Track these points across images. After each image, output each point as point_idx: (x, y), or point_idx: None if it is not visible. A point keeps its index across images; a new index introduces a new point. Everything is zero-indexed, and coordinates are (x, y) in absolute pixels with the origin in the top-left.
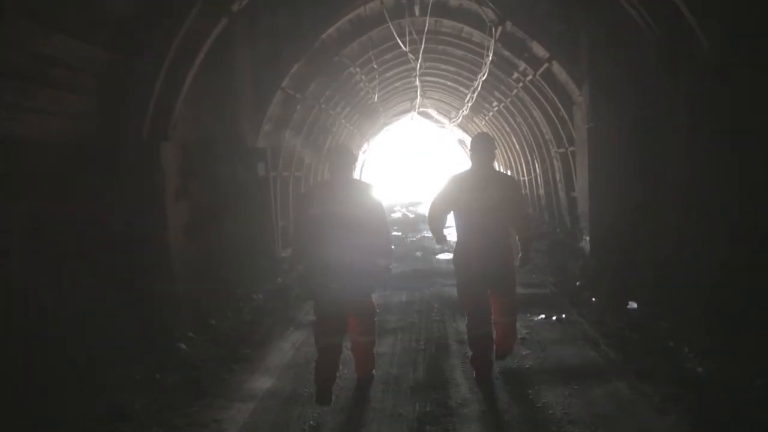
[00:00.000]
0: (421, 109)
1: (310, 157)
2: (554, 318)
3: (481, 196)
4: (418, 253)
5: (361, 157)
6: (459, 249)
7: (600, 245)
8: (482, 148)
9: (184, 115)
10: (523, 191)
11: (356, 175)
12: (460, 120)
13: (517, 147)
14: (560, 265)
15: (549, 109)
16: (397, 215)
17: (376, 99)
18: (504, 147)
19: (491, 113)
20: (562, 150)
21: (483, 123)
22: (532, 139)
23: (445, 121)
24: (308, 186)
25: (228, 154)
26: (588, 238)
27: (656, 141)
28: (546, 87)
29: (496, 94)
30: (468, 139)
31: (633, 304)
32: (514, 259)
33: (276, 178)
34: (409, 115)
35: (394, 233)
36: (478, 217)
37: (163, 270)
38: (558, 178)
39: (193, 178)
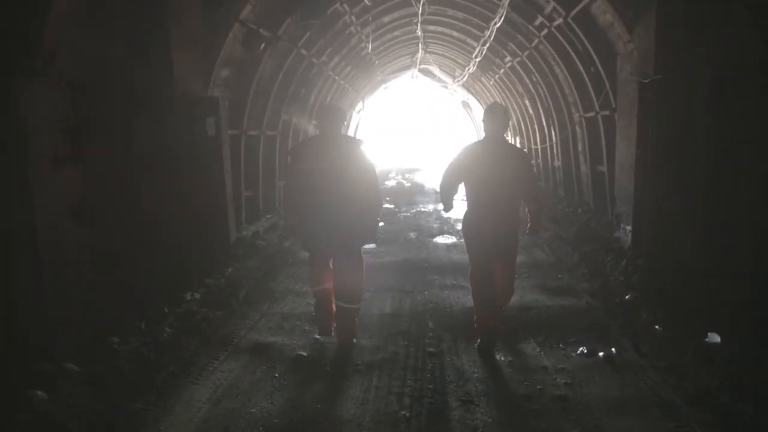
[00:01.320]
0: (422, 66)
1: (288, 114)
2: (601, 355)
3: (493, 168)
4: (412, 234)
5: (354, 117)
6: (468, 219)
7: (652, 242)
8: (496, 118)
9: (74, 41)
10: (533, 163)
11: (348, 133)
12: (465, 79)
13: (530, 111)
14: (595, 264)
15: (578, 63)
16: (391, 183)
17: (370, 49)
18: (515, 111)
19: (502, 70)
20: (590, 114)
21: (491, 83)
22: (550, 101)
23: (449, 80)
24: (295, 143)
25: (155, 104)
26: (629, 228)
27: (748, 104)
28: (578, 34)
29: (511, 47)
30: (473, 101)
31: (714, 337)
32: (519, 232)
33: (239, 138)
34: (409, 73)
35: (386, 206)
36: (488, 188)
37: (25, 273)
38: (581, 148)
39: (89, 135)
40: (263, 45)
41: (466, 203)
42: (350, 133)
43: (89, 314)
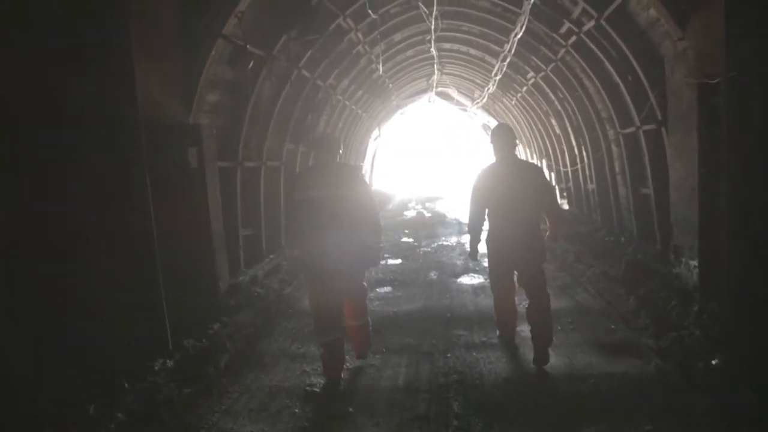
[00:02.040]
0: (439, 89)
1: (294, 142)
2: None
3: (510, 185)
4: (433, 274)
5: (371, 145)
6: (491, 236)
7: (730, 282)
8: (503, 138)
9: None
10: (547, 177)
11: (364, 164)
12: (485, 100)
13: (557, 130)
14: (656, 310)
15: (613, 73)
16: (410, 214)
17: (381, 71)
18: (538, 132)
19: (525, 88)
20: (629, 130)
21: (513, 102)
22: (580, 118)
23: (468, 103)
24: (295, 173)
25: (110, 128)
26: (694, 264)
27: None
28: (613, 38)
29: (533, 61)
30: (494, 124)
31: None
32: (542, 243)
33: (234, 170)
34: (425, 97)
35: (404, 239)
36: (507, 205)
37: None
38: (618, 168)
39: (12, 169)
40: (252, 64)
41: (488, 224)
42: (368, 161)
43: (26, 390)
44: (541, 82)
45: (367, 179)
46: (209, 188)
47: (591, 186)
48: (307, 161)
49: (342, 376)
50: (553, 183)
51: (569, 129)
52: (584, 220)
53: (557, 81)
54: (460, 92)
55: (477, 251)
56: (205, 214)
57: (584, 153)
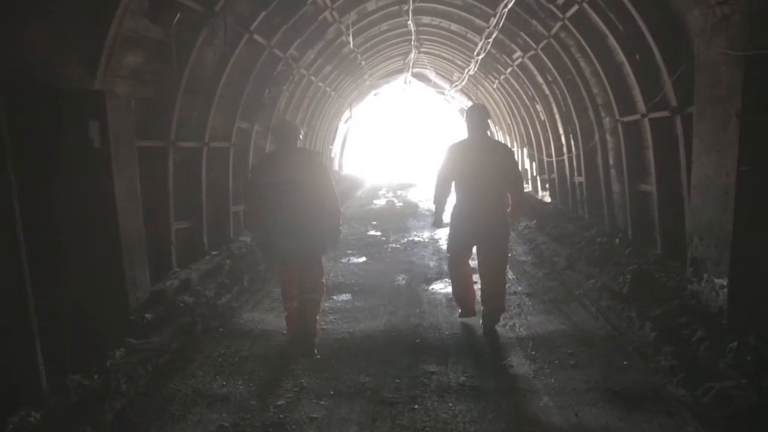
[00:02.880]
0: (416, 69)
1: (248, 121)
2: None
3: (479, 162)
4: (401, 279)
5: (341, 128)
6: (455, 209)
7: None
8: (476, 117)
9: None
10: (516, 157)
11: (333, 146)
12: (464, 83)
13: (543, 117)
14: (676, 341)
15: (618, 50)
16: (380, 203)
17: (352, 44)
18: (520, 119)
19: (509, 70)
20: (631, 118)
21: (495, 85)
22: (571, 104)
23: (446, 85)
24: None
25: None
26: (723, 283)
27: None
28: (625, 6)
29: (522, 38)
30: None
31: None
32: (505, 220)
33: (166, 151)
34: (401, 77)
35: (371, 233)
36: (475, 181)
37: None
38: (612, 161)
39: None
40: (178, 17)
41: (455, 197)
42: (339, 143)
43: None
44: (529, 63)
45: (329, 164)
46: (119, 173)
47: (579, 179)
48: (265, 142)
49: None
50: (535, 173)
51: (557, 116)
52: (570, 215)
53: (547, 61)
54: (439, 74)
55: (441, 220)
56: (109, 207)
57: (572, 142)
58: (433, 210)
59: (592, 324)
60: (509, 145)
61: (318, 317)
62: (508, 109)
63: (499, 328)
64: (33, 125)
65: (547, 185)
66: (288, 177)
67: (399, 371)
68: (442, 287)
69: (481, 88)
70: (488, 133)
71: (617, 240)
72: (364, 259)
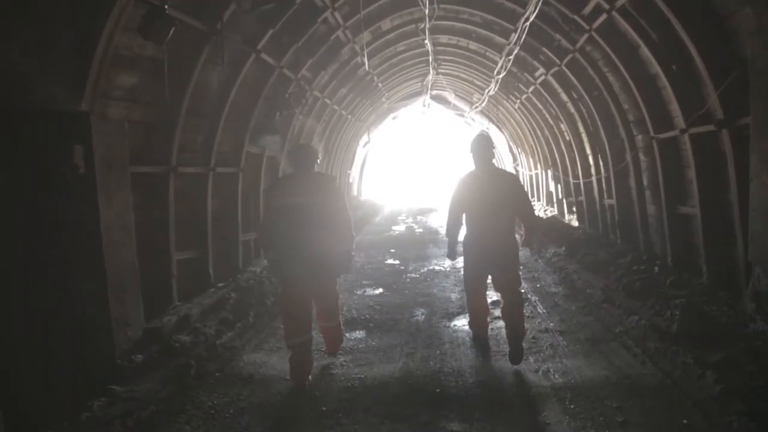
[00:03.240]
0: (435, 92)
1: (258, 146)
2: None
3: (487, 192)
4: (420, 313)
5: (359, 152)
6: (467, 240)
7: None
8: (481, 147)
9: None
10: (523, 183)
11: (351, 171)
12: (484, 104)
13: (568, 137)
14: (752, 399)
15: (652, 59)
16: (399, 229)
17: (367, 66)
18: (544, 140)
19: (532, 88)
20: (667, 134)
21: (516, 105)
22: (599, 122)
23: (466, 107)
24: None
25: None
26: None
27: None
28: (659, 10)
29: (545, 54)
30: (493, 131)
31: None
32: (516, 249)
33: (166, 177)
34: (420, 100)
35: (389, 261)
36: (484, 210)
37: None
38: (647, 182)
39: None
40: (172, 32)
41: (465, 228)
42: (357, 168)
43: None
44: (552, 81)
45: (347, 189)
46: (108, 201)
47: (609, 201)
48: (277, 167)
49: (308, 381)
50: (561, 196)
51: (583, 135)
52: (601, 240)
53: (572, 78)
54: (458, 95)
55: (455, 252)
56: (94, 238)
57: (601, 163)
58: (460, 249)
59: (638, 370)
60: (516, 173)
61: (343, 332)
62: (530, 129)
63: (531, 374)
64: (8, 150)
65: (574, 208)
66: (302, 200)
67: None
68: (465, 324)
69: (502, 109)
70: (493, 161)
71: (656, 268)
72: (380, 290)
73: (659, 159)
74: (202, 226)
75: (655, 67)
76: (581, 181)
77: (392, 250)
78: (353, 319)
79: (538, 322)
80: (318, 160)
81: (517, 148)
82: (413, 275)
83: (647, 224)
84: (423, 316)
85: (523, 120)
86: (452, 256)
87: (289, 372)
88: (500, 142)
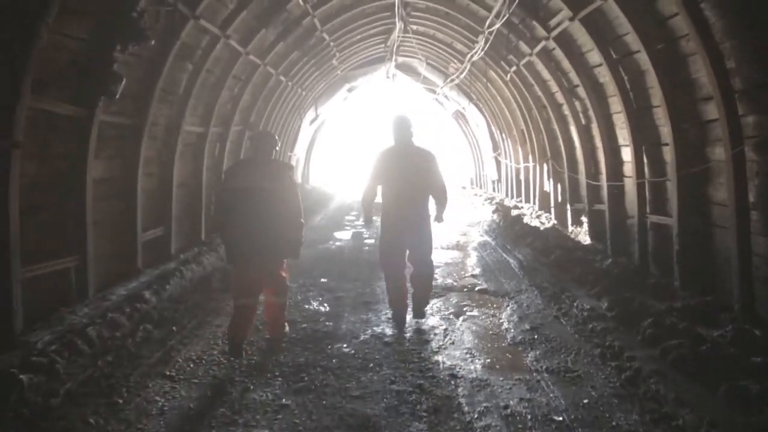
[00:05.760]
0: (402, 58)
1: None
2: None
3: (403, 167)
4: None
5: (306, 130)
6: (384, 213)
7: None
8: (401, 127)
9: None
10: (439, 163)
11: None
12: (465, 73)
13: (584, 120)
14: None
15: None
16: (342, 237)
17: (310, 11)
18: (542, 124)
19: (538, 48)
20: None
21: (509, 76)
22: (659, 94)
23: (439, 80)
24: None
25: None
26: None
27: None
28: None
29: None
30: (472, 112)
31: None
32: (429, 222)
33: None
34: (382, 69)
35: (311, 308)
36: (399, 184)
37: None
38: (753, 197)
39: None
40: None
41: (382, 201)
42: (303, 150)
43: None
44: (576, 31)
45: (299, 176)
46: None
47: (657, 219)
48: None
49: (244, 351)
50: (559, 199)
51: (617, 116)
52: (636, 276)
53: (603, 27)
54: (430, 64)
55: (371, 217)
56: None
57: (646, 159)
58: (369, 218)
59: None
60: (498, 164)
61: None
62: (524, 109)
63: None
64: None
65: (585, 218)
66: (257, 185)
67: None
68: None
69: (484, 85)
70: (413, 140)
71: (677, 302)
72: (282, 400)
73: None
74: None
75: None
76: (604, 184)
77: (323, 281)
78: None
79: None
80: (277, 147)
81: (501, 134)
82: (345, 349)
83: (749, 267)
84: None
85: (514, 97)
86: (368, 221)
87: (228, 330)
88: (480, 125)
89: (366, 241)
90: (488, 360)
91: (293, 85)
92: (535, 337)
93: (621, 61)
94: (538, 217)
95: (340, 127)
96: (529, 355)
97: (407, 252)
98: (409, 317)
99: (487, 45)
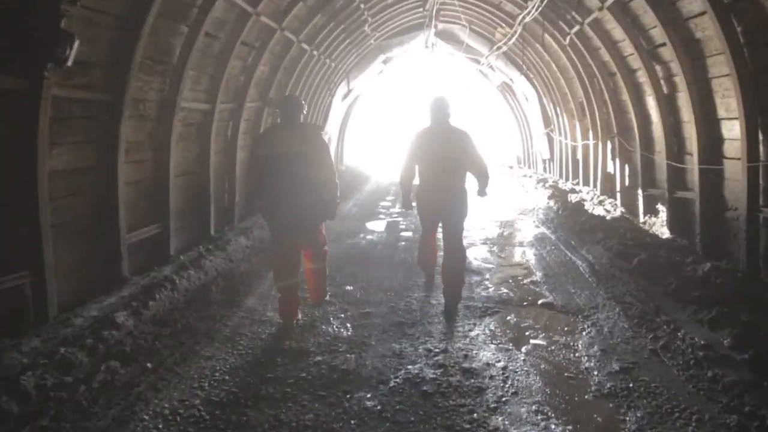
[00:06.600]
0: (442, 25)
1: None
2: None
3: (440, 146)
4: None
5: (338, 106)
6: (420, 190)
7: None
8: (439, 108)
9: None
10: (476, 142)
11: (325, 130)
12: (513, 40)
13: (666, 89)
14: None
15: None
16: (375, 229)
17: None
18: (608, 95)
19: (602, 8)
20: None
21: (567, 41)
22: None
23: (485, 48)
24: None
25: None
26: None
27: None
28: None
29: None
30: (521, 83)
31: None
32: (465, 200)
33: None
34: (420, 38)
35: (347, 288)
36: (435, 163)
37: None
38: None
39: None
40: None
41: (419, 179)
42: (336, 126)
43: None
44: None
45: (327, 141)
46: None
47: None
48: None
49: (297, 320)
50: (627, 182)
51: (733, 78)
52: (745, 286)
53: None
54: (474, 30)
55: (410, 201)
56: None
57: (761, 136)
58: (408, 201)
59: None
60: (550, 140)
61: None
62: (585, 79)
63: None
64: None
65: (660, 207)
66: (289, 149)
67: None
68: None
69: (537, 52)
70: (449, 120)
71: None
72: None
73: None
74: None
75: None
76: (693, 167)
77: (348, 289)
78: None
79: None
80: (304, 111)
81: (554, 108)
82: (368, 402)
83: None
84: None
85: (573, 64)
86: (407, 205)
87: (279, 311)
88: (529, 98)
89: (402, 234)
90: (569, 427)
91: (319, 55)
92: (631, 385)
93: (733, 6)
94: (600, 203)
95: (375, 103)
96: (628, 418)
97: (440, 227)
98: (448, 325)
99: (544, 2)
